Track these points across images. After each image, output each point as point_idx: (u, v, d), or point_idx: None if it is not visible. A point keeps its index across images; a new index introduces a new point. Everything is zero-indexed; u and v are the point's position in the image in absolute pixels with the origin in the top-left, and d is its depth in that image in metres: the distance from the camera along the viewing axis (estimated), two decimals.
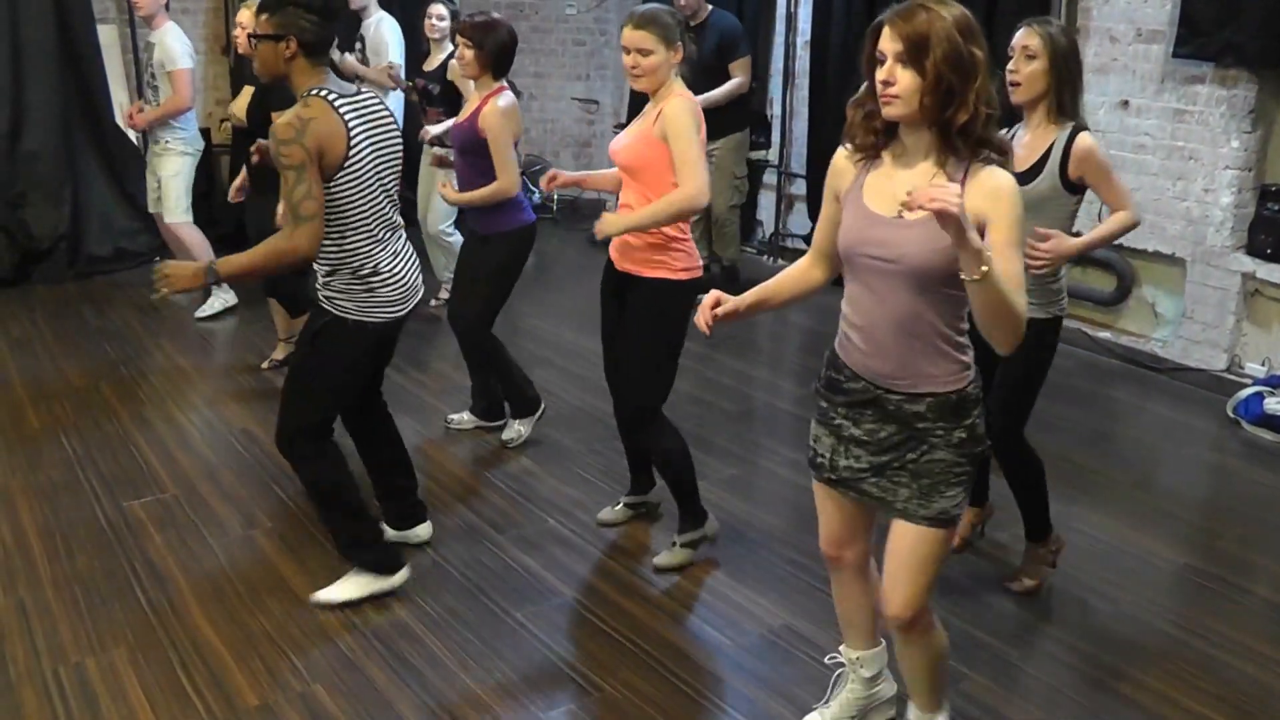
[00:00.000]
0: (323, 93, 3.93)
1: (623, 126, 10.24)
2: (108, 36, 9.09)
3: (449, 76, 7.09)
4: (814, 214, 9.07)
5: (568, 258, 9.58)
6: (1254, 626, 4.29)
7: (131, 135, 9.18)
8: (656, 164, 4.25)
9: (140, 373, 6.73)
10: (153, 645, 4.01)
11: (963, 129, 2.73)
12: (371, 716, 3.66)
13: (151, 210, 8.01)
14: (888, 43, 2.74)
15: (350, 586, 4.30)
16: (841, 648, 3.55)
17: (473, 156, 5.39)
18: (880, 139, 2.91)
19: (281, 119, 3.86)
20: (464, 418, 6.03)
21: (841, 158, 3.05)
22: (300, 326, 6.41)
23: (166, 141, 7.64)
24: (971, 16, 2.74)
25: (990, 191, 2.76)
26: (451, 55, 7.05)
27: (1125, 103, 7.07)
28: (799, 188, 9.52)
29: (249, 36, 4.05)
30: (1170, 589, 4.58)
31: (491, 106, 5.31)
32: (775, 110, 9.61)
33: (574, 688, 3.84)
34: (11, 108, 8.51)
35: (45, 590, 4.35)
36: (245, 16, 6.09)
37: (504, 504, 5.15)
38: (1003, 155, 2.82)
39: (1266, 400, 6.15)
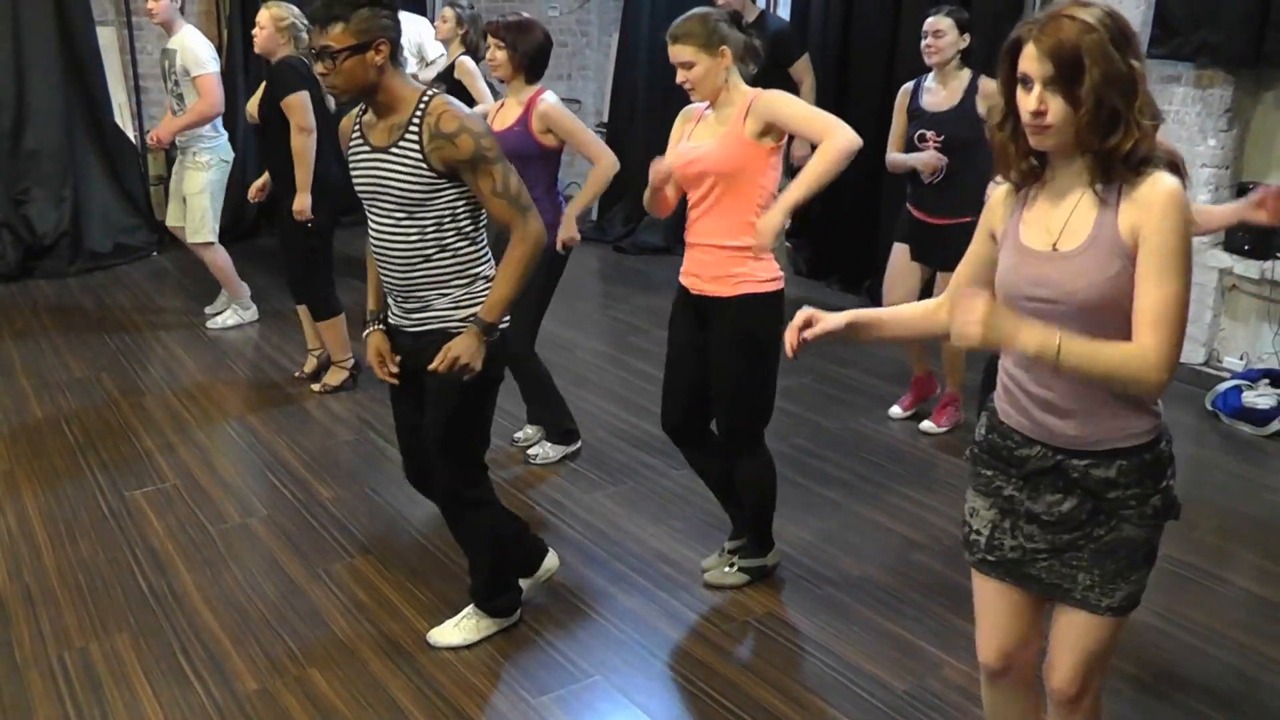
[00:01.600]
0: (440, 93, 3.62)
1: (605, 125, 10.34)
2: (107, 38, 9.20)
3: (455, 75, 7.12)
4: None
5: (585, 267, 9.62)
6: (1233, 616, 4.33)
7: (129, 133, 9.27)
8: (752, 165, 3.98)
9: (140, 365, 6.83)
10: (154, 630, 4.09)
11: (1127, 155, 2.34)
12: (366, 699, 3.73)
13: (170, 224, 7.67)
14: (1032, 63, 2.34)
15: (474, 628, 4.10)
16: None
17: (521, 162, 5.10)
18: (1038, 169, 2.50)
19: (462, 116, 3.53)
20: (545, 450, 5.70)
21: (1000, 194, 2.64)
22: (333, 340, 6.45)
23: (195, 153, 7.28)
24: (1121, 16, 2.36)
25: (1144, 203, 2.36)
26: (461, 55, 7.12)
27: None
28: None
29: (323, 53, 3.46)
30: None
31: (544, 105, 5.12)
32: None
33: (563, 672, 3.90)
34: (14, 107, 8.65)
35: (50, 576, 4.44)
36: (265, 16, 6.10)
37: (499, 494, 5.18)
38: (1173, 166, 2.42)
39: (1244, 393, 6.22)
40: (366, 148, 3.63)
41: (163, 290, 8.41)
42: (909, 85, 5.90)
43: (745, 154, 3.97)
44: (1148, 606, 4.32)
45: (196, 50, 7.09)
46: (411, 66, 8.11)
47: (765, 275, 4.08)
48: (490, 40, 5.16)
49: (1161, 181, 2.36)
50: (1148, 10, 6.74)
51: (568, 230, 5.22)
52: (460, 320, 3.67)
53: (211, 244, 7.40)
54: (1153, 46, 6.68)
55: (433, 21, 8.00)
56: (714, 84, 3.99)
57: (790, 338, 2.69)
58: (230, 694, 3.75)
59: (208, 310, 7.82)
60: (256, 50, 6.24)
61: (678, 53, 3.97)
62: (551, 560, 4.35)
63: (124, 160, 9.23)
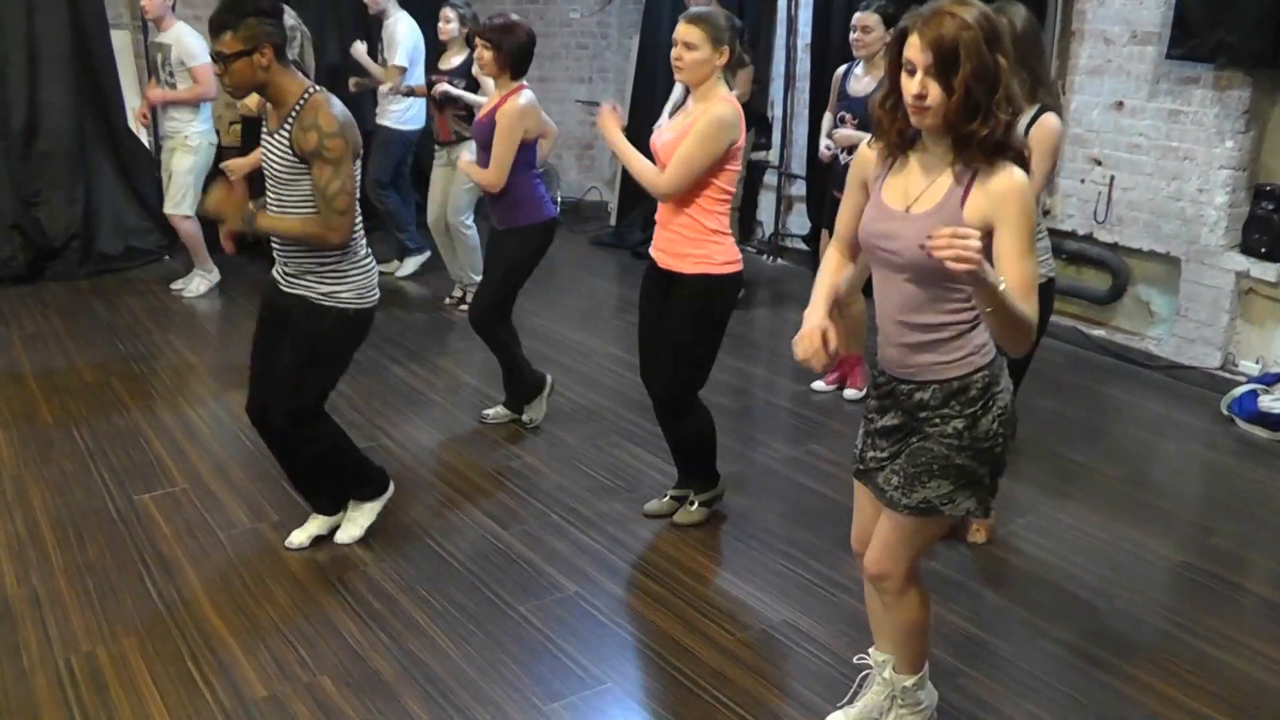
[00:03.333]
0: (321, 91, 4.15)
1: (625, 128, 10.38)
2: (120, 41, 9.18)
3: (473, 73, 7.17)
4: (813, 215, 9.14)
5: (571, 258, 9.62)
6: (1249, 623, 4.30)
7: (143, 137, 9.26)
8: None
9: (150, 368, 6.81)
10: (162, 635, 4.07)
11: (982, 140, 2.74)
12: (376, 707, 3.70)
13: (169, 212, 8.24)
14: (916, 52, 2.72)
15: (365, 516, 4.77)
16: (870, 649, 3.54)
17: (485, 151, 5.54)
18: (907, 141, 2.95)
19: (324, 114, 4.03)
20: (499, 411, 6.12)
21: (868, 149, 3.08)
22: None
23: (185, 136, 7.94)
24: (994, 16, 2.73)
25: (1000, 194, 2.78)
26: (472, 55, 7.16)
27: (1120, 104, 7.13)
28: (799, 189, 9.58)
29: (216, 58, 4.06)
30: (1165, 586, 4.60)
31: (510, 104, 5.48)
32: (776, 112, 9.67)
33: (575, 680, 3.88)
34: (27, 109, 8.61)
35: (58, 580, 4.42)
36: None
37: (507, 499, 5.21)
38: (1020, 158, 2.83)
39: (1260, 398, 6.19)
40: (265, 130, 4.25)
41: (173, 294, 8.37)
42: (840, 70, 6.29)
43: None
44: (1162, 612, 4.37)
45: (190, 43, 7.79)
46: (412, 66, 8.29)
47: (722, 259, 4.52)
48: (478, 41, 5.53)
49: (1013, 175, 2.78)
50: (1167, 11, 6.74)
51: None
52: (321, 294, 4.26)
53: (189, 217, 8.08)
54: (1171, 47, 6.69)
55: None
56: (702, 74, 4.38)
57: (819, 360, 3.12)
58: (239, 700, 3.72)
59: (174, 286, 8.41)
60: None
61: (686, 32, 4.34)
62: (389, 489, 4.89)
63: (136, 163, 9.22)
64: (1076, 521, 5.04)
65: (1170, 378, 6.95)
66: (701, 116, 4.35)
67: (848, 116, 6.04)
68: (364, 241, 4.38)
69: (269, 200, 4.26)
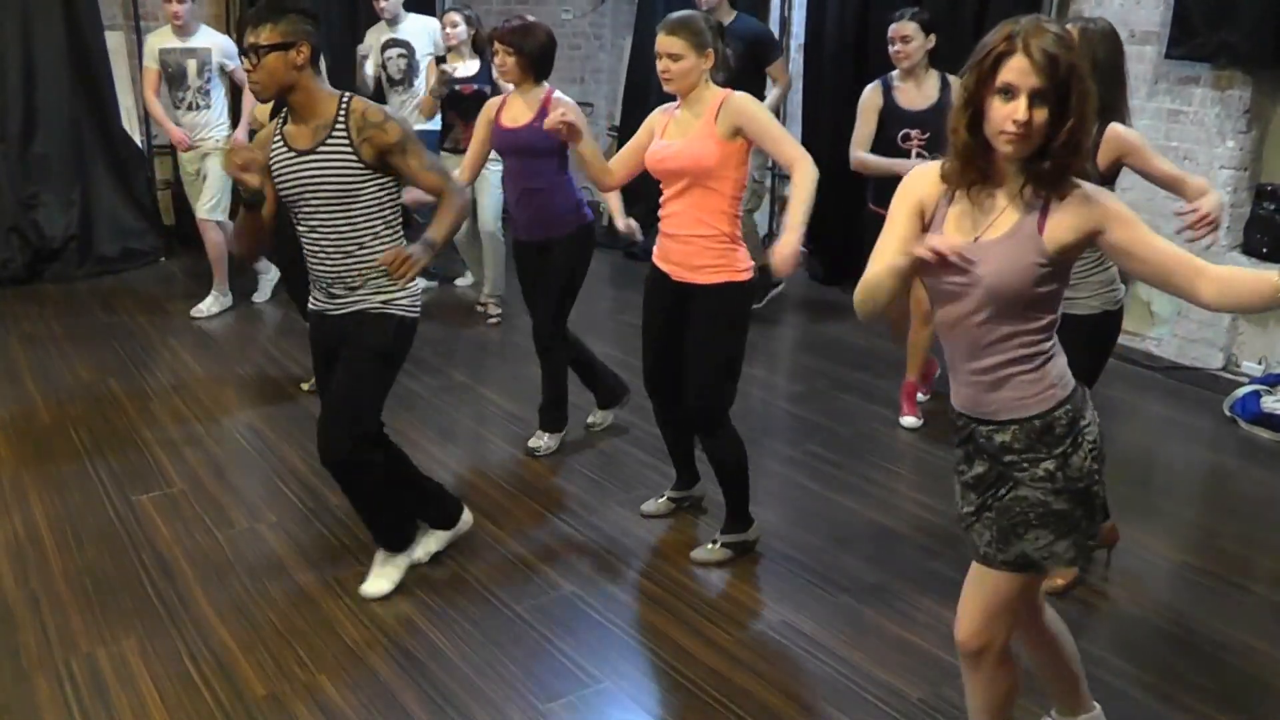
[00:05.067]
0: (355, 95, 4.02)
1: (618, 129, 10.34)
2: (115, 42, 9.17)
3: (495, 77, 7.12)
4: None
5: (597, 272, 9.58)
6: (1253, 624, 4.28)
7: (136, 138, 9.26)
8: (724, 162, 4.29)
9: (148, 370, 6.80)
10: (161, 636, 4.06)
11: (1066, 167, 2.57)
12: (375, 707, 3.69)
13: (203, 216, 7.95)
14: (1020, 75, 2.49)
15: (434, 542, 4.61)
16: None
17: (534, 158, 5.38)
18: (982, 174, 2.68)
19: (372, 112, 3.95)
20: (604, 416, 6.09)
21: (934, 174, 2.79)
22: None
23: (218, 140, 7.77)
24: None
25: (1088, 201, 2.61)
26: (485, 62, 7.16)
27: None
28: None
29: (250, 50, 3.85)
30: (1169, 587, 4.59)
31: (561, 98, 5.33)
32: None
33: (574, 680, 3.87)
34: (23, 111, 8.63)
35: (57, 582, 4.41)
36: None
37: (505, 500, 5.20)
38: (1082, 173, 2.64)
39: (1263, 398, 6.17)
40: (291, 153, 3.98)
41: (170, 295, 8.37)
42: (877, 85, 5.96)
43: (717, 151, 4.28)
44: (1165, 614, 4.34)
45: (227, 45, 7.71)
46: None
47: (742, 265, 4.42)
48: (498, 46, 5.31)
49: (1083, 185, 2.62)
50: (1166, 10, 6.73)
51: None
52: (380, 303, 4.08)
53: (221, 224, 7.86)
54: (1171, 47, 6.68)
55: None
56: (692, 81, 4.31)
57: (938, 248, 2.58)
58: (239, 700, 3.71)
59: (194, 313, 7.98)
60: None
61: (669, 44, 4.28)
62: (467, 517, 4.73)
63: (132, 165, 9.23)
64: None
65: (1172, 379, 6.94)
66: (739, 106, 4.28)
67: (914, 134, 5.83)
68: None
69: (338, 233, 3.98)
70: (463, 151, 7.50)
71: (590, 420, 6.02)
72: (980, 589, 2.91)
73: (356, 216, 3.98)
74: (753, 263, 4.47)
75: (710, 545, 4.69)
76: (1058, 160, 2.55)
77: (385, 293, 4.08)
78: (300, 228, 4.07)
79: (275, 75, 3.86)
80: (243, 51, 3.90)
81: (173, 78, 7.65)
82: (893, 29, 5.81)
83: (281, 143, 4.00)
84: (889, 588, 4.45)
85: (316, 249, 4.05)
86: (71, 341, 7.28)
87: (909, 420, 6.12)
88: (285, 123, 4.03)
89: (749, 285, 4.46)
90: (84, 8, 8.77)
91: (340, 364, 4.12)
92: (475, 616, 4.23)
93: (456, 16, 7.60)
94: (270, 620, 4.18)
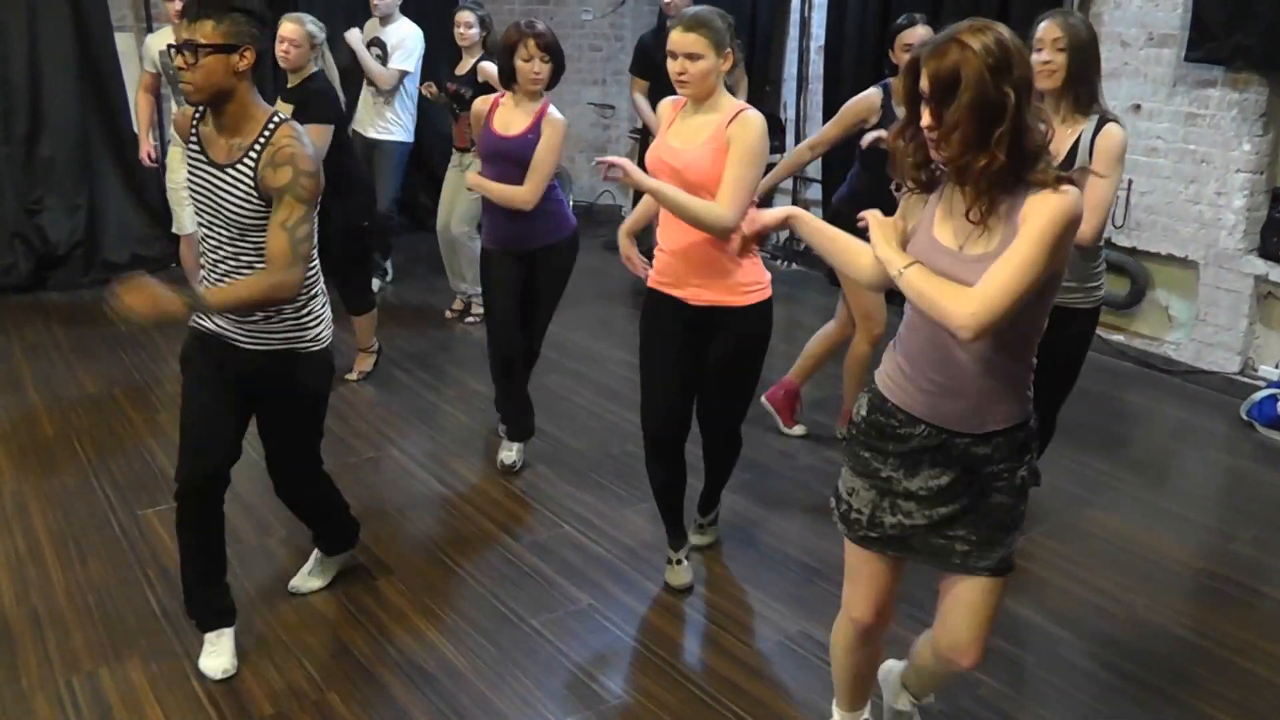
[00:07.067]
0: (288, 120, 3.64)
1: (639, 132, 10.30)
2: (125, 44, 9.05)
3: (480, 79, 7.06)
4: (827, 218, 9.03)
5: (583, 263, 9.52)
6: (1270, 630, 4.26)
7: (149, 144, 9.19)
8: None
9: (155, 379, 6.74)
10: (166, 653, 4.01)
11: (982, 171, 2.54)
12: None
13: (190, 231, 7.67)
14: (925, 81, 2.56)
15: (332, 568, 4.51)
16: (842, 713, 3.44)
17: (522, 167, 5.20)
18: (931, 175, 2.74)
19: (299, 149, 3.52)
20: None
21: (908, 203, 2.87)
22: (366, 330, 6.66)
23: None
24: (1009, 44, 2.51)
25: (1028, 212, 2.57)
26: (480, 60, 7.09)
27: (1137, 106, 7.07)
28: (815, 192, 9.51)
29: (175, 48, 3.44)
30: (1184, 592, 4.57)
31: (556, 116, 5.22)
32: (789, 114, 9.62)
33: (589, 694, 3.83)
34: (30, 113, 8.52)
35: (58, 598, 4.35)
36: (298, 32, 5.92)
37: (519, 510, 5.15)
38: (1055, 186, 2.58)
39: None
40: (204, 159, 3.62)
41: None
42: (877, 91, 5.42)
43: (722, 164, 3.94)
44: (1181, 620, 4.34)
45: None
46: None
47: (766, 278, 4.21)
48: (537, 54, 5.14)
49: (1047, 198, 2.55)
50: (1184, 13, 6.70)
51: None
52: (310, 340, 3.80)
53: None
54: (1189, 50, 6.66)
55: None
56: (710, 84, 3.98)
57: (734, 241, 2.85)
58: (245, 718, 3.67)
59: None
60: (285, 66, 6.04)
61: (689, 42, 3.91)
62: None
63: (142, 169, 9.05)
64: (1094, 528, 4.98)
65: (1189, 383, 6.89)
66: (742, 130, 3.92)
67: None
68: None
69: (223, 254, 3.67)
70: (458, 149, 7.49)
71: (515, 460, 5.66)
72: (970, 602, 2.91)
73: (246, 258, 3.64)
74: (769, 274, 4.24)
75: (701, 530, 4.82)
76: (956, 164, 2.57)
77: (310, 328, 3.81)
78: (203, 240, 3.73)
79: (212, 79, 3.44)
80: (176, 47, 3.44)
81: (174, 78, 7.45)
82: (904, 34, 5.54)
83: (197, 143, 3.63)
84: (908, 597, 4.35)
85: (215, 269, 3.73)
86: (76, 351, 7.21)
87: (798, 430, 6.02)
88: (201, 119, 3.64)
89: (772, 300, 4.23)
90: (92, 8, 8.65)
91: (283, 407, 3.94)
92: (489, 630, 4.18)
93: (471, 17, 7.42)
94: (279, 637, 4.12)
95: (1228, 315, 6.79)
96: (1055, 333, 3.00)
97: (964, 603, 2.92)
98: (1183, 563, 4.76)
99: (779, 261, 9.66)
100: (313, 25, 6.02)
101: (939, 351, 2.75)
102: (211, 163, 3.59)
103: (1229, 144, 6.66)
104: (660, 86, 6.78)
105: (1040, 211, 2.52)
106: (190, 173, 3.66)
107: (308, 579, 4.45)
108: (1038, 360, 2.84)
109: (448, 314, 7.98)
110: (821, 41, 9.18)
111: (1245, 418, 6.27)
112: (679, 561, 4.54)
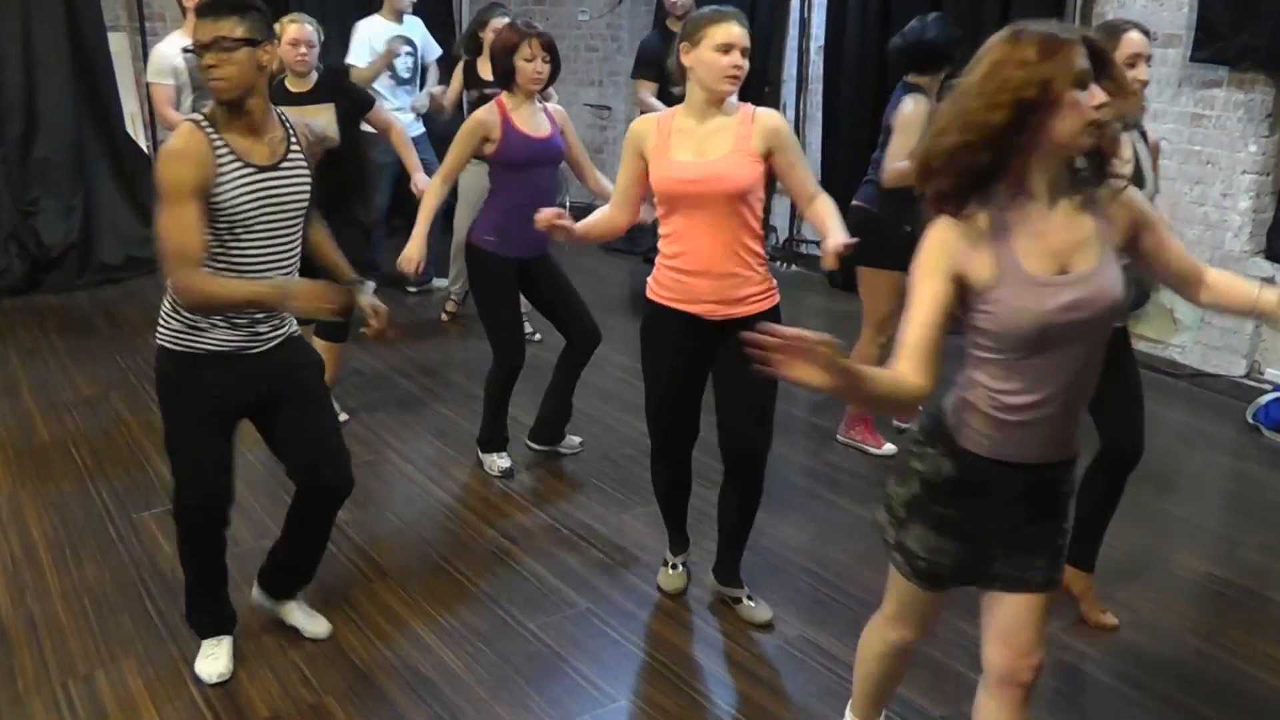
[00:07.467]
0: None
1: None
2: (118, 44, 9.06)
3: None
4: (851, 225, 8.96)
5: (582, 264, 9.52)
6: (1277, 635, 4.24)
7: (141, 142, 9.17)
8: (759, 182, 3.88)
9: (151, 382, 6.65)
10: (163, 657, 3.98)
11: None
12: None
13: None
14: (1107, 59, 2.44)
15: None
16: None
17: (552, 167, 5.27)
18: (961, 206, 2.50)
19: (299, 123, 3.68)
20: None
21: (943, 233, 2.51)
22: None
23: None
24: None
25: (1122, 204, 2.56)
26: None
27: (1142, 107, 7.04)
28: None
29: (202, 46, 3.35)
30: (1191, 598, 4.54)
31: (561, 110, 5.34)
32: (789, 115, 9.58)
33: (588, 699, 3.81)
34: (23, 114, 8.51)
35: (54, 602, 4.33)
36: (307, 31, 5.76)
37: (516, 513, 5.12)
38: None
39: None
40: (252, 168, 3.46)
41: None
42: (920, 98, 5.36)
43: (757, 170, 3.84)
44: (1187, 625, 4.32)
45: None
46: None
47: (774, 284, 4.09)
48: (540, 54, 5.13)
49: (1117, 185, 2.55)
50: (1190, 13, 6.67)
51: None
52: (295, 324, 3.84)
53: None
54: (1195, 50, 6.63)
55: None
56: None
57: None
58: None
59: None
60: (303, 69, 5.88)
61: (745, 38, 3.76)
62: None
63: (136, 169, 9.06)
64: None
65: (1195, 386, 6.86)
66: (775, 127, 3.86)
67: None
68: None
69: (294, 251, 3.66)
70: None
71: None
72: (1029, 619, 2.76)
73: (303, 230, 3.69)
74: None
75: (750, 602, 4.32)
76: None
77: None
78: (257, 247, 3.54)
79: (245, 73, 3.36)
80: (204, 46, 3.35)
81: (197, 82, 7.16)
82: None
83: (233, 157, 3.43)
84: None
85: (274, 268, 3.59)
86: (72, 354, 7.18)
87: (888, 448, 5.79)
88: (214, 129, 3.44)
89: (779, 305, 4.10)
90: (86, 8, 8.66)
91: (302, 395, 3.81)
92: (487, 634, 4.15)
93: (499, 23, 7.32)
94: (276, 640, 4.09)
95: (1234, 318, 6.76)
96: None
97: (1025, 614, 2.76)
98: (1188, 568, 4.73)
99: (779, 263, 9.63)
100: (311, 24, 5.97)
101: (1061, 391, 2.55)
102: (261, 169, 3.48)
103: (1235, 145, 6.64)
104: (666, 89, 6.76)
105: (1143, 203, 2.61)
106: (241, 192, 3.44)
107: (313, 620, 4.15)
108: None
109: (443, 317, 7.94)
110: (821, 42, 9.16)
111: (1251, 421, 6.24)
112: (675, 566, 4.51)
